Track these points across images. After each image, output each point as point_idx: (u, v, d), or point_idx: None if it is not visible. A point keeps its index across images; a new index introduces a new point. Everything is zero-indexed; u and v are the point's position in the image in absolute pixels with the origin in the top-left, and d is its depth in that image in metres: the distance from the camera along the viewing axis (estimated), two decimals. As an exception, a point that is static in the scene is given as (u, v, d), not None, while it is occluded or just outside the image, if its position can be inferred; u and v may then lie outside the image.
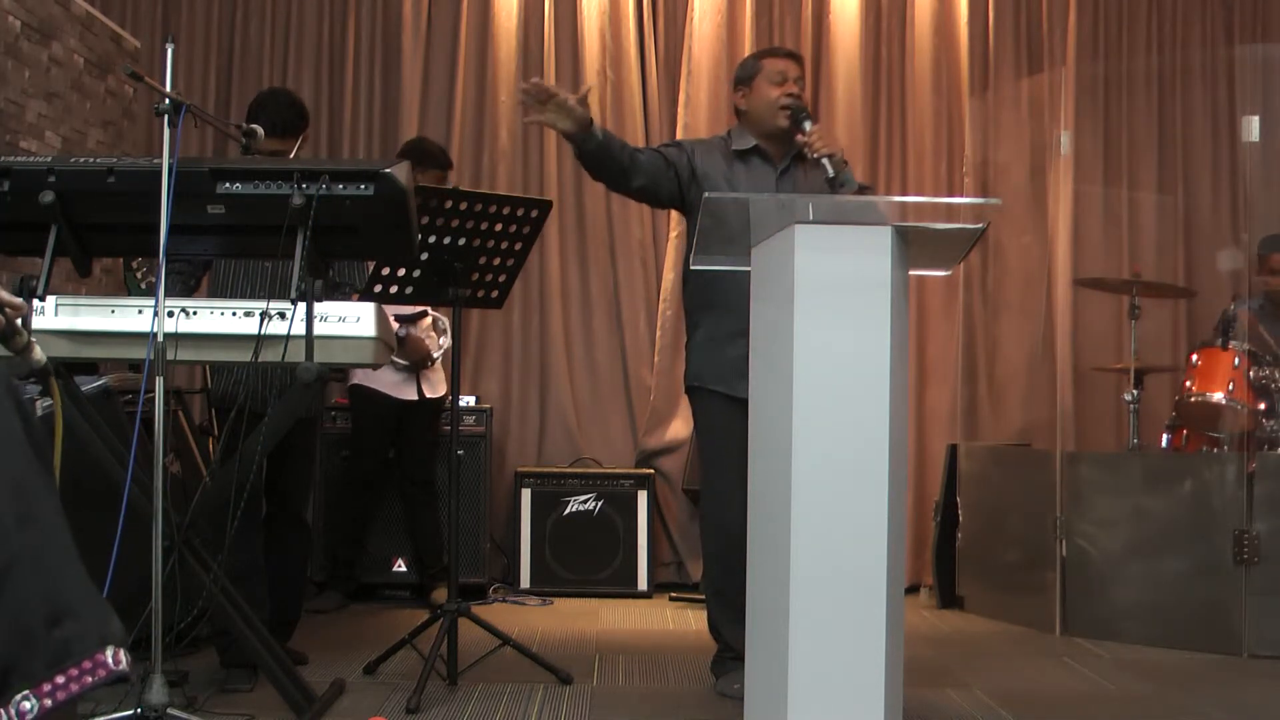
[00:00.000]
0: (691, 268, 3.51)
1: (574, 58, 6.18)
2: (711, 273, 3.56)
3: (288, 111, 3.95)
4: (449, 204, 3.80)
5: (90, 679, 2.03)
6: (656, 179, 3.78)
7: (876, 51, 6.27)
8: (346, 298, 3.96)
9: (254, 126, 3.44)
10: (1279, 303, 5.35)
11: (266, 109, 3.92)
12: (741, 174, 3.86)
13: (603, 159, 3.67)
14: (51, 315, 3.07)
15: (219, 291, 3.89)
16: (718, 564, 3.84)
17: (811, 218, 3.00)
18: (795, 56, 4.01)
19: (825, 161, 3.64)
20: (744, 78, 3.95)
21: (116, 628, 2.12)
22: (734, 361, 3.54)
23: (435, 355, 5.26)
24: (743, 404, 3.27)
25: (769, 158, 3.91)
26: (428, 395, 5.29)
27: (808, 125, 3.73)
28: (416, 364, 5.21)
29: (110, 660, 2.07)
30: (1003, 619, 5.18)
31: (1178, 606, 4.69)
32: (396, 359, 5.12)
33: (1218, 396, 5.09)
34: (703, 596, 5.39)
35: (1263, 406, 5.04)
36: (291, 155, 3.95)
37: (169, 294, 3.71)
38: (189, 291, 3.86)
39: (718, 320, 3.77)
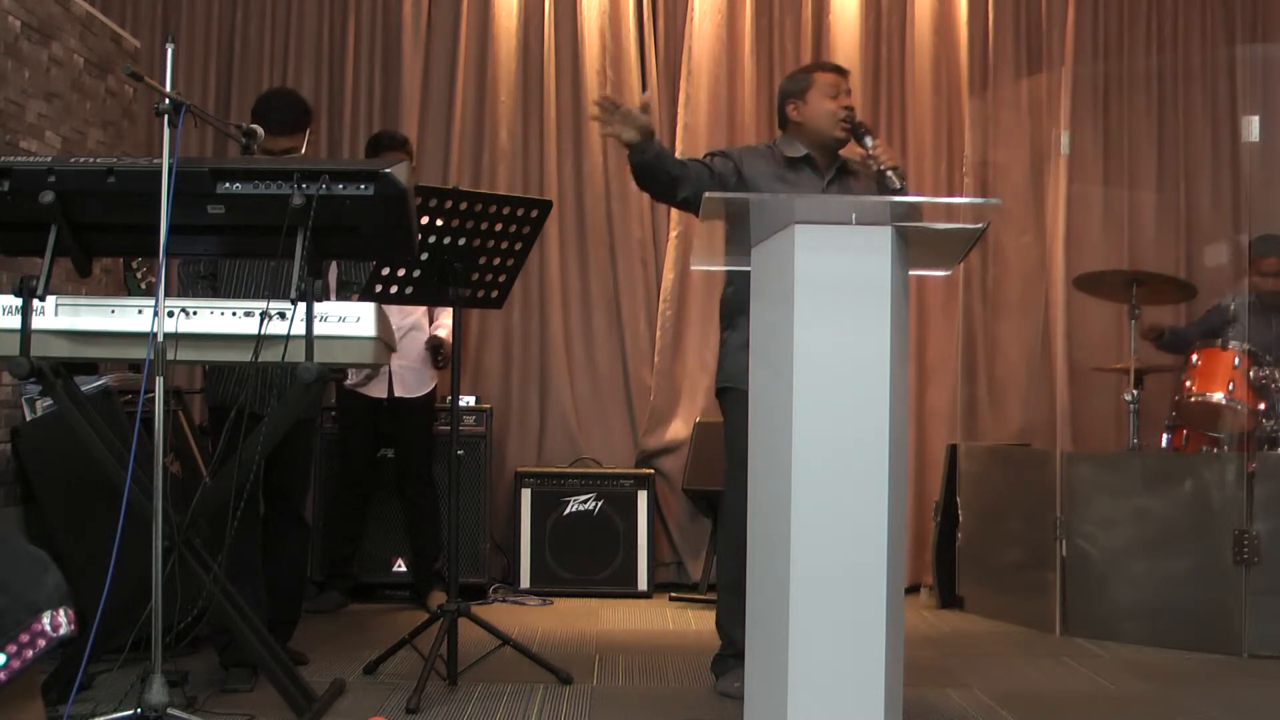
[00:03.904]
0: (691, 268, 3.52)
1: (574, 58, 6.18)
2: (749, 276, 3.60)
3: (294, 109, 4.03)
4: (449, 204, 3.80)
5: (30, 652, 1.98)
6: (701, 191, 3.80)
7: (876, 51, 6.27)
8: (350, 296, 3.97)
9: (254, 127, 3.45)
10: (1269, 304, 5.35)
11: (273, 108, 3.97)
12: (792, 180, 3.94)
13: (655, 169, 3.70)
14: (51, 315, 3.07)
15: (223, 291, 3.89)
16: (737, 560, 3.84)
17: (812, 218, 3.00)
18: (844, 71, 4.11)
19: (891, 174, 3.75)
20: (796, 90, 4.02)
21: (50, 588, 2.04)
22: None
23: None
24: None
25: (817, 167, 3.99)
26: (397, 393, 5.27)
27: (869, 140, 3.86)
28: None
29: (48, 626, 2.01)
30: (1003, 619, 5.18)
31: (1178, 606, 4.69)
32: None
33: (1218, 396, 5.09)
34: (703, 596, 5.42)
35: (1263, 406, 5.04)
36: (302, 150, 3.98)
37: (200, 295, 3.74)
38: (217, 292, 3.87)
39: None
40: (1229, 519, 4.61)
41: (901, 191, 3.74)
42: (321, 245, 3.13)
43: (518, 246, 4.00)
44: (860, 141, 3.89)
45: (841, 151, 3.96)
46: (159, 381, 2.97)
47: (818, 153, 3.98)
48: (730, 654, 3.82)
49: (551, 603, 5.47)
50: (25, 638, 1.97)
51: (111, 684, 3.38)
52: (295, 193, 3.02)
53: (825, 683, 2.87)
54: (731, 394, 3.91)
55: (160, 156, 2.96)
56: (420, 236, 3.70)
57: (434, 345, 5.25)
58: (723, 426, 4.03)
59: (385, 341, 3.24)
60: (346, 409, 5.36)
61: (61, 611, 2.03)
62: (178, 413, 4.26)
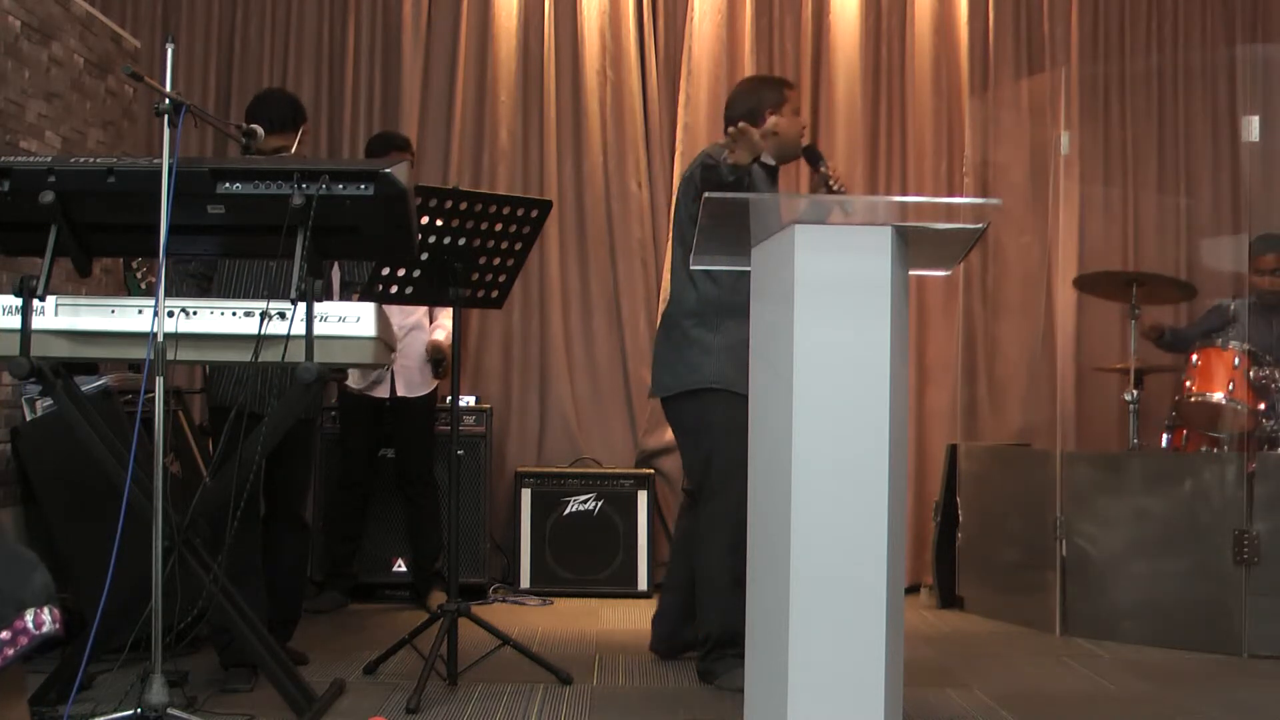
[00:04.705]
0: (691, 267, 3.51)
1: (574, 58, 6.18)
2: (736, 278, 3.59)
3: (285, 108, 4.06)
4: (449, 204, 3.80)
5: (11, 650, 1.99)
6: (742, 189, 3.82)
7: (876, 51, 6.27)
8: (352, 296, 3.97)
9: (254, 127, 3.45)
10: (1269, 304, 5.35)
11: (265, 107, 3.99)
12: (770, 187, 4.06)
13: (740, 182, 3.66)
14: (51, 315, 3.07)
15: (221, 291, 3.88)
16: (738, 558, 3.84)
17: (811, 218, 3.00)
18: None
19: (844, 194, 3.93)
20: (776, 102, 4.11)
21: (36, 587, 2.05)
22: None
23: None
24: None
25: (775, 178, 4.12)
26: (400, 393, 5.27)
27: (824, 164, 4.04)
28: None
29: (30, 624, 2.02)
30: (1003, 619, 5.18)
31: (1178, 606, 4.69)
32: None
33: (1218, 396, 5.09)
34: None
35: (1263, 406, 5.04)
36: (293, 150, 3.99)
37: (187, 295, 3.75)
38: (205, 292, 3.87)
39: (743, 325, 3.79)
40: (1229, 519, 4.61)
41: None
42: (321, 245, 3.13)
43: (518, 246, 4.01)
44: (816, 164, 4.04)
45: (824, 171, 4.09)
46: (159, 381, 2.97)
47: (778, 163, 4.13)
48: (731, 653, 3.81)
49: (551, 603, 5.47)
50: (7, 634, 1.98)
51: (111, 684, 3.38)
52: (295, 193, 3.02)
53: (825, 683, 2.87)
54: (720, 394, 3.90)
55: (160, 156, 2.96)
56: (420, 236, 3.70)
57: (436, 358, 5.23)
58: (710, 425, 3.98)
59: (385, 341, 3.24)
60: (347, 409, 5.37)
61: (45, 610, 2.04)
62: (178, 413, 4.27)
